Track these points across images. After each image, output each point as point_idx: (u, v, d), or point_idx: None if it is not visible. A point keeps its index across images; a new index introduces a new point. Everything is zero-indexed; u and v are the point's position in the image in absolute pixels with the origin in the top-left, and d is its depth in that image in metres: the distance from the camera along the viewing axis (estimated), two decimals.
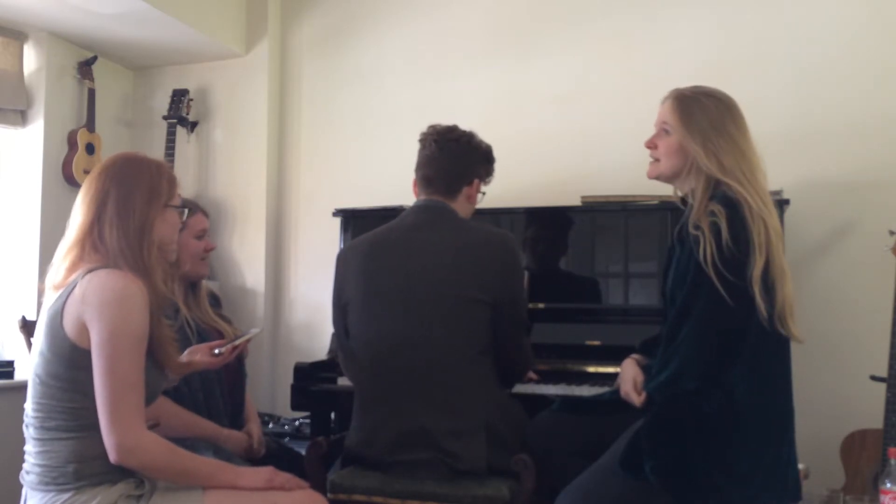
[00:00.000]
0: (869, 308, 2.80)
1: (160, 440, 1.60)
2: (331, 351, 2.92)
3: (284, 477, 1.73)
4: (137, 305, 1.57)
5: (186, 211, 1.85)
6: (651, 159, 1.95)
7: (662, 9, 3.21)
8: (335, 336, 2.27)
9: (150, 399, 1.66)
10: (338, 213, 3.17)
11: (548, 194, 3.09)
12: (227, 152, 3.80)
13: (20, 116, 3.44)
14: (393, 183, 2.89)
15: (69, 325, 1.57)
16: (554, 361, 2.60)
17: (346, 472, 2.11)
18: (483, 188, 2.29)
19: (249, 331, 2.14)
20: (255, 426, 2.38)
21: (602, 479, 1.81)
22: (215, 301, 2.56)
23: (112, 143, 3.68)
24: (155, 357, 1.66)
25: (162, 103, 3.76)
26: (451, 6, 3.52)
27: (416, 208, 2.18)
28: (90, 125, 3.55)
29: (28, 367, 1.68)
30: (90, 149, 3.53)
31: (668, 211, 2.70)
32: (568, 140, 3.28)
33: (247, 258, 3.71)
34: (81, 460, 1.57)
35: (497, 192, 2.49)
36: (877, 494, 2.06)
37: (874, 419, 2.52)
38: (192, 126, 3.79)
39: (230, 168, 3.78)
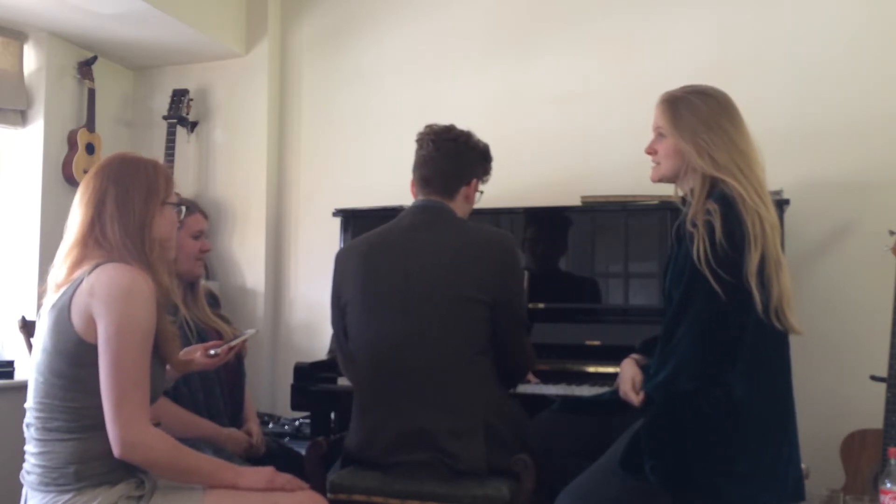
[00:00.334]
0: (869, 308, 2.80)
1: (164, 436, 1.60)
2: (331, 351, 2.92)
3: (285, 477, 1.73)
4: (145, 300, 1.57)
5: (184, 209, 1.85)
6: (653, 164, 1.96)
7: (662, 9, 3.21)
8: (334, 337, 2.27)
9: (154, 396, 1.66)
10: (338, 213, 3.17)
11: (548, 194, 3.09)
12: (227, 152, 3.80)
13: (20, 116, 3.44)
14: (393, 183, 2.89)
15: (77, 319, 1.57)
16: (554, 361, 2.60)
17: (346, 473, 2.11)
18: (481, 187, 2.29)
19: (245, 331, 2.14)
20: (254, 425, 2.38)
21: (602, 479, 1.81)
22: (214, 301, 2.56)
23: (112, 143, 3.68)
24: (159, 353, 1.66)
25: (162, 103, 3.76)
26: (451, 6, 3.52)
27: (415, 209, 2.18)
28: (90, 125, 3.55)
29: (29, 366, 1.67)
30: (90, 149, 3.53)
31: (668, 211, 2.70)
32: (568, 140, 3.28)
33: (247, 258, 3.71)
34: (82, 461, 1.57)
35: (497, 192, 2.49)
36: (877, 494, 2.06)
37: (874, 419, 2.52)
38: (192, 126, 3.79)
39: (230, 168, 3.78)
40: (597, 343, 2.67)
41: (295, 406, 2.78)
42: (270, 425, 3.23)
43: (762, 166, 1.84)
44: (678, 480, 1.73)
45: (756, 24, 3.08)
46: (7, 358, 3.29)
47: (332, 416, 2.87)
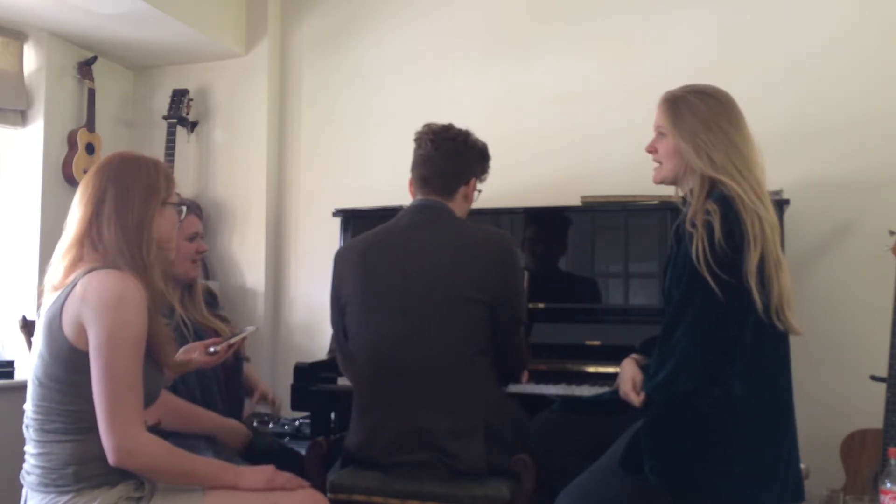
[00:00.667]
0: (869, 308, 2.80)
1: (159, 441, 1.60)
2: (331, 351, 2.92)
3: (285, 477, 1.72)
4: (136, 307, 1.57)
5: (185, 209, 1.84)
6: (655, 164, 1.96)
7: (662, 9, 3.21)
8: (334, 337, 2.27)
9: (149, 400, 1.66)
10: (338, 213, 3.17)
11: (548, 194, 3.09)
12: (227, 152, 3.80)
13: (20, 116, 3.44)
14: (393, 183, 2.89)
15: (68, 327, 1.56)
16: (554, 361, 2.60)
17: (346, 472, 2.11)
18: (479, 186, 2.29)
19: (245, 329, 2.14)
20: (263, 385, 2.47)
21: (602, 479, 1.81)
22: (213, 300, 2.56)
23: (112, 143, 3.68)
24: (153, 357, 1.65)
25: (162, 103, 3.76)
26: (451, 6, 3.52)
27: (413, 208, 2.18)
28: (90, 125, 3.55)
29: (28, 368, 1.67)
30: (90, 149, 3.53)
31: (668, 211, 2.70)
32: (568, 140, 3.28)
33: (247, 258, 3.71)
34: (81, 462, 1.57)
35: (497, 192, 2.49)
36: (877, 494, 2.06)
37: (874, 419, 2.52)
38: (192, 126, 3.79)
39: (230, 168, 3.78)
40: (597, 343, 2.67)
41: (295, 406, 2.78)
42: (271, 425, 3.22)
43: (762, 167, 1.84)
44: (678, 480, 1.73)
45: (756, 24, 3.08)
46: (7, 358, 3.29)
47: (332, 415, 2.87)
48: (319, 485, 2.07)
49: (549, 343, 2.67)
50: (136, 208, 1.65)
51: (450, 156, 2.17)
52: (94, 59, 3.58)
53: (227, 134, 3.81)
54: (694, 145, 1.83)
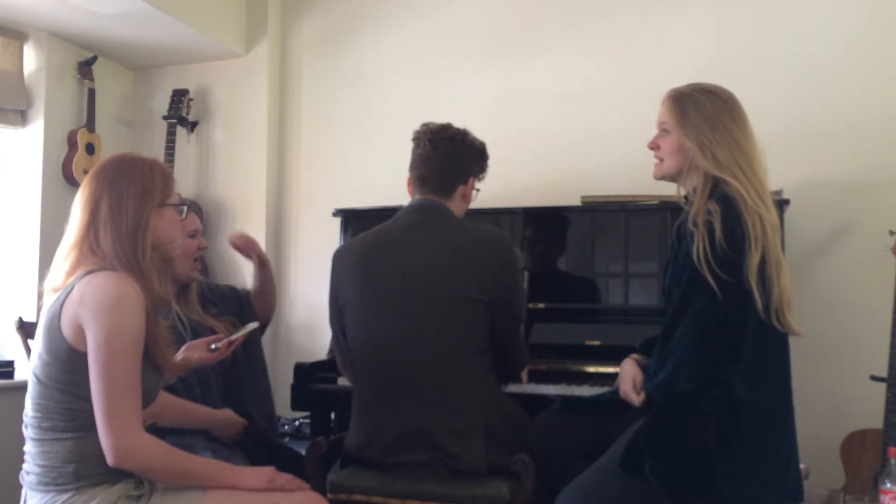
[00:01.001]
0: (869, 308, 2.80)
1: (158, 442, 1.60)
2: (331, 351, 2.92)
3: (285, 477, 1.72)
4: (133, 308, 1.57)
5: (185, 209, 1.84)
6: (655, 160, 1.95)
7: (662, 9, 3.21)
8: (333, 337, 2.27)
9: (147, 401, 1.65)
10: (338, 213, 3.17)
11: (548, 194, 3.09)
12: (227, 152, 3.80)
13: (20, 116, 3.44)
14: (393, 183, 2.88)
15: (66, 328, 1.57)
16: (554, 361, 2.60)
17: (346, 473, 2.11)
18: (477, 185, 2.29)
19: (245, 326, 2.15)
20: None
21: (602, 479, 1.81)
22: (236, 299, 2.60)
23: (112, 143, 3.68)
24: (152, 359, 1.65)
25: (162, 103, 3.76)
26: (451, 6, 3.52)
27: (412, 208, 2.18)
28: (90, 125, 3.55)
29: (28, 367, 1.68)
30: (90, 149, 3.53)
31: (668, 211, 2.70)
32: (568, 140, 3.28)
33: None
34: (80, 460, 1.57)
35: (497, 192, 2.49)
36: (877, 494, 2.06)
37: (874, 419, 2.52)
38: (192, 126, 3.79)
39: (230, 168, 3.78)
40: (597, 343, 2.67)
41: (295, 406, 2.78)
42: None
43: (764, 167, 1.84)
44: (678, 480, 1.73)
45: (756, 24, 3.08)
46: (7, 358, 3.29)
47: (332, 415, 2.87)
48: (319, 485, 2.07)
49: (549, 343, 2.67)
50: (130, 212, 1.64)
51: (448, 155, 2.17)
52: (94, 59, 3.58)
53: (227, 134, 3.81)
54: (699, 143, 1.82)
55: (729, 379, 1.74)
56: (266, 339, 3.63)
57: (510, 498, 1.98)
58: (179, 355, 1.93)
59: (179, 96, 3.70)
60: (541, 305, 2.79)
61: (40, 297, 1.70)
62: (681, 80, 1.97)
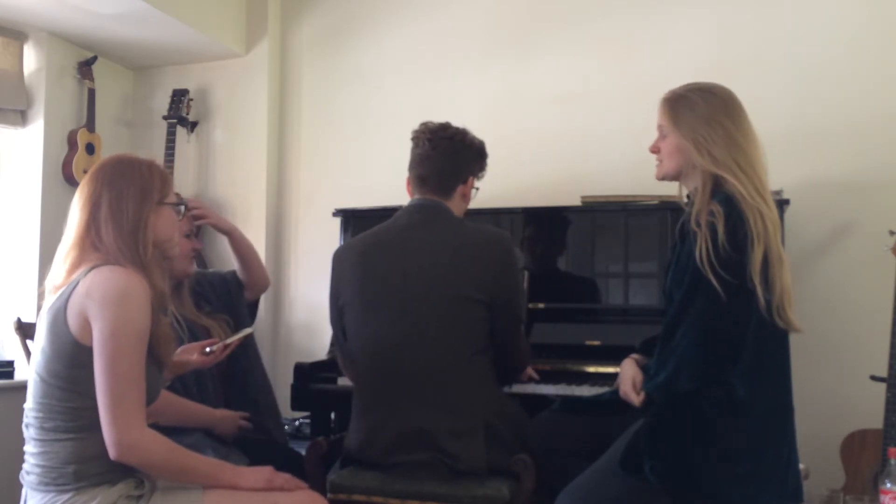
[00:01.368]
0: (869, 308, 2.80)
1: (160, 438, 1.60)
2: (331, 351, 2.92)
3: (284, 477, 1.73)
4: (140, 302, 1.57)
5: (183, 208, 1.85)
6: (657, 162, 1.96)
7: (662, 9, 3.21)
8: (333, 337, 2.27)
9: (151, 398, 1.66)
10: (338, 213, 3.17)
11: (548, 194, 3.09)
12: (227, 152, 3.80)
13: (20, 116, 3.44)
14: (393, 183, 2.88)
15: (72, 321, 1.57)
16: (554, 361, 2.60)
17: (345, 473, 2.11)
18: (476, 184, 2.29)
19: (241, 330, 2.15)
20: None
21: (602, 479, 1.81)
22: (221, 280, 2.60)
23: (112, 143, 3.68)
24: (155, 355, 1.66)
25: (162, 103, 3.76)
26: (451, 6, 3.52)
27: (411, 208, 2.18)
28: (90, 125, 3.55)
29: (30, 366, 1.68)
30: (90, 149, 3.53)
31: (668, 211, 2.70)
32: (568, 140, 3.28)
33: None
34: (81, 461, 1.57)
35: (497, 192, 2.49)
36: (877, 494, 2.06)
37: (874, 419, 2.52)
38: (192, 126, 3.79)
39: (230, 168, 3.78)
40: (597, 343, 2.67)
41: (295, 406, 2.78)
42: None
43: (764, 164, 1.84)
44: (678, 480, 1.73)
45: (756, 24, 3.08)
46: (7, 358, 3.29)
47: (332, 415, 2.87)
48: (319, 485, 2.07)
49: (549, 343, 2.67)
50: (130, 211, 1.65)
51: (447, 155, 2.17)
52: (94, 59, 3.58)
53: (227, 134, 3.81)
54: (695, 142, 1.83)
55: (729, 379, 1.74)
56: (266, 339, 3.65)
57: (510, 498, 1.98)
58: (176, 356, 1.94)
59: (179, 96, 3.70)
60: (541, 305, 2.79)
61: (41, 297, 1.70)
62: (681, 80, 1.97)
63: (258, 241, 3.67)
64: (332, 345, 2.83)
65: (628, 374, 1.93)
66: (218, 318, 2.46)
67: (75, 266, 1.64)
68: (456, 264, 2.04)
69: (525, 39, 3.40)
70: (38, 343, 1.63)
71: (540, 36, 3.38)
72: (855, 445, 2.59)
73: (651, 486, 1.72)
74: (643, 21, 3.23)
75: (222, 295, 2.57)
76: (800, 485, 1.82)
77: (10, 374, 3.21)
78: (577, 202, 2.90)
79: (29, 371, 1.66)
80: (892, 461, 1.97)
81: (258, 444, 2.34)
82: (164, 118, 3.68)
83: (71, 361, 1.57)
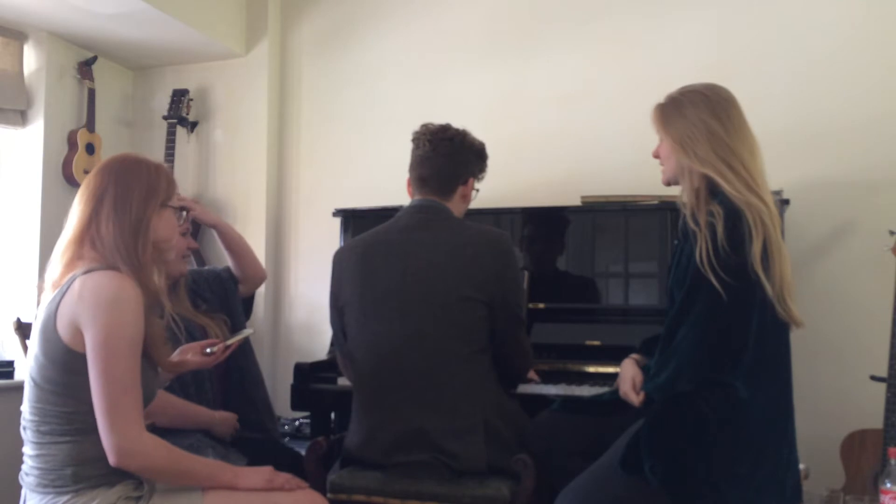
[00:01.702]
0: (869, 308, 2.80)
1: (159, 442, 1.60)
2: (331, 351, 2.92)
3: (284, 477, 1.73)
4: (132, 308, 1.56)
5: (184, 213, 1.84)
6: (661, 167, 1.98)
7: (663, 9, 3.21)
8: (333, 337, 2.27)
9: (147, 400, 1.65)
10: (338, 213, 3.17)
11: (548, 194, 3.09)
12: (227, 152, 3.80)
13: (20, 116, 3.44)
14: (393, 183, 2.88)
15: (63, 329, 1.56)
16: (554, 361, 2.60)
17: (345, 472, 2.11)
18: (477, 185, 2.29)
19: (242, 331, 2.14)
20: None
21: (602, 479, 1.81)
22: (216, 276, 2.60)
23: (112, 143, 3.68)
24: (149, 357, 1.65)
25: (162, 103, 3.76)
26: (452, 6, 3.52)
27: (412, 208, 2.18)
28: (90, 125, 3.55)
29: (25, 369, 1.67)
30: (90, 149, 3.53)
31: (668, 211, 2.70)
32: (568, 140, 3.28)
33: None
34: (79, 463, 1.57)
35: (497, 192, 2.49)
36: (877, 494, 2.06)
37: (874, 419, 2.52)
38: (192, 126, 3.79)
39: (230, 168, 3.78)
40: (597, 343, 2.67)
41: (295, 406, 2.78)
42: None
43: (759, 160, 1.84)
44: (678, 481, 1.73)
45: (756, 24, 3.08)
46: (7, 358, 3.29)
47: (332, 415, 2.87)
48: (319, 485, 2.07)
49: (549, 343, 2.67)
50: (134, 208, 1.65)
51: (447, 156, 2.17)
52: (94, 59, 3.58)
53: (227, 134, 3.81)
54: (681, 143, 1.85)
55: (730, 380, 1.74)
56: (266, 339, 3.66)
57: (510, 498, 1.98)
58: (175, 357, 1.93)
59: (179, 96, 3.70)
60: (541, 305, 2.79)
61: (40, 292, 1.69)
62: (681, 80, 1.97)
63: (258, 241, 3.68)
64: (332, 345, 2.83)
65: (628, 374, 1.94)
66: (216, 317, 2.45)
67: (72, 263, 1.63)
68: (456, 264, 2.05)
69: (525, 39, 3.40)
70: (32, 348, 1.62)
71: (540, 36, 3.38)
72: (855, 445, 2.59)
73: (651, 486, 1.72)
74: (643, 21, 3.23)
75: (218, 291, 2.57)
76: (799, 485, 1.82)
77: (10, 374, 3.21)
78: (577, 202, 2.90)
79: (25, 374, 1.66)
80: (892, 461, 1.97)
81: (258, 444, 2.34)
82: (164, 118, 3.68)
83: (64, 368, 1.57)
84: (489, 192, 2.39)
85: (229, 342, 2.02)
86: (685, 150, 1.84)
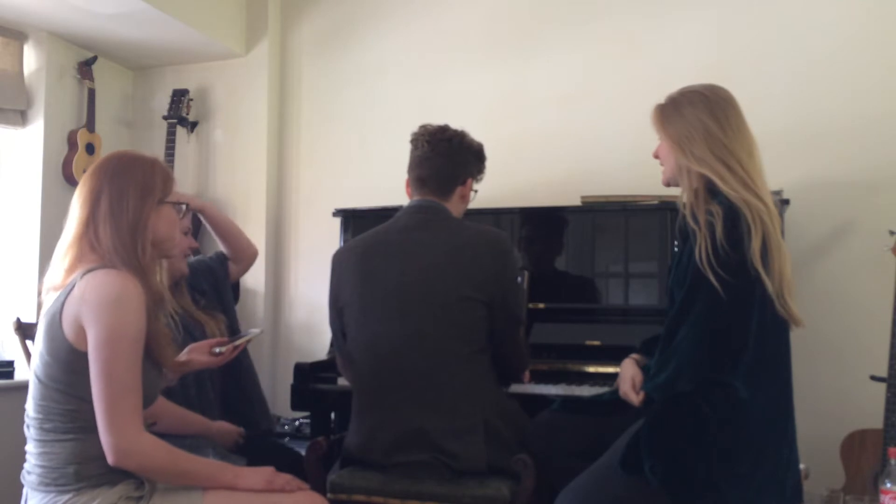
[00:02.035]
0: (869, 308, 2.80)
1: (158, 442, 1.60)
2: (331, 351, 2.92)
3: (284, 478, 1.72)
4: (134, 307, 1.56)
5: (184, 207, 1.84)
6: (661, 167, 1.98)
7: (663, 9, 3.21)
8: (333, 338, 2.28)
9: (149, 400, 1.65)
10: (338, 213, 3.17)
11: (548, 194, 3.09)
12: (227, 152, 3.80)
13: (20, 116, 3.44)
14: (393, 183, 2.88)
15: (67, 327, 1.56)
16: (554, 361, 2.60)
17: (346, 473, 2.11)
18: (475, 186, 2.29)
19: (250, 331, 2.14)
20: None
21: (602, 479, 1.81)
22: (206, 265, 2.61)
23: (112, 143, 3.68)
24: (152, 357, 1.65)
25: (162, 103, 3.76)
26: (452, 6, 3.52)
27: (411, 209, 2.18)
28: (90, 125, 3.55)
29: (30, 367, 1.67)
30: (90, 149, 3.53)
31: (668, 211, 2.70)
32: (568, 140, 3.28)
33: None
34: (81, 461, 1.57)
35: (497, 192, 2.49)
36: (877, 494, 2.06)
37: (874, 419, 2.52)
38: (192, 126, 3.79)
39: (230, 168, 3.78)
40: (597, 343, 2.67)
41: (295, 406, 2.78)
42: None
43: (757, 158, 1.84)
44: (678, 481, 1.72)
45: (756, 25, 3.08)
46: (7, 358, 3.29)
47: (332, 415, 2.87)
48: (319, 485, 2.07)
49: (549, 343, 2.67)
50: (130, 208, 1.64)
51: (446, 156, 2.18)
52: (94, 59, 3.58)
53: (227, 134, 3.81)
54: (678, 143, 1.86)
55: (730, 380, 1.74)
56: (266, 339, 3.66)
57: (510, 498, 1.98)
58: (183, 356, 1.93)
59: (179, 96, 3.70)
60: (541, 305, 2.79)
61: (40, 295, 1.69)
62: (681, 80, 1.97)
63: (258, 242, 3.66)
64: (332, 345, 2.84)
65: (628, 374, 1.94)
66: (216, 317, 2.46)
67: (73, 265, 1.63)
68: (455, 264, 2.05)
69: (525, 39, 3.40)
70: (37, 346, 1.62)
71: (540, 36, 3.38)
72: (855, 445, 2.59)
73: (651, 486, 1.72)
74: (643, 21, 3.23)
75: (210, 280, 2.58)
76: (799, 485, 1.82)
77: (10, 374, 3.21)
78: (577, 202, 2.90)
79: (29, 373, 1.66)
80: (892, 461, 1.97)
81: (257, 444, 2.34)
82: (164, 118, 3.68)
83: (68, 366, 1.57)
84: (489, 192, 2.39)
85: (238, 343, 2.02)
86: (683, 149, 1.85)
